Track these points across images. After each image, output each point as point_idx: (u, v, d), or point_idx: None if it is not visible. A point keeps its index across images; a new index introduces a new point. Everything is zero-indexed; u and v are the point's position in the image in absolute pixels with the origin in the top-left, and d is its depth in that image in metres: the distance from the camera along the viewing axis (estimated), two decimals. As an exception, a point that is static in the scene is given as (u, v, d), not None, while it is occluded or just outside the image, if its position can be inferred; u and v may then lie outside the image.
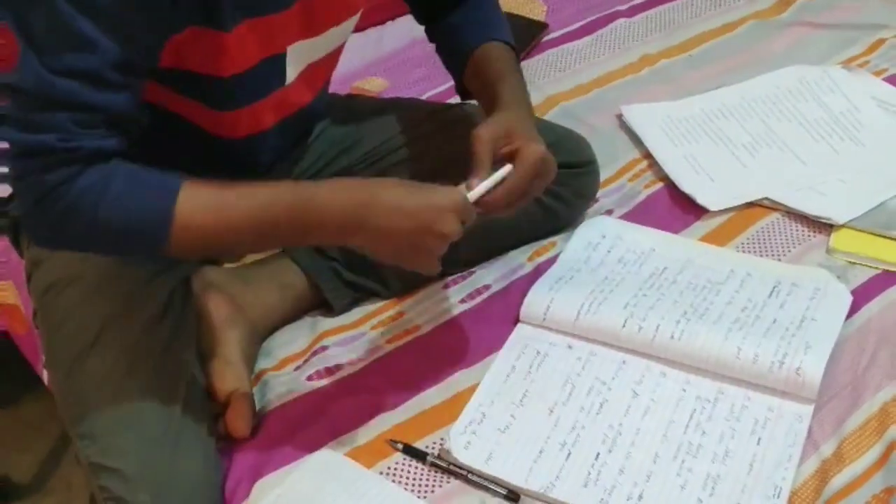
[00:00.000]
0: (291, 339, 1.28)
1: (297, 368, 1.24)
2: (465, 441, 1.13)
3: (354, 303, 1.32)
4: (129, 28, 0.94)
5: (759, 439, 1.13)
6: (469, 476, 1.10)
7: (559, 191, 1.35)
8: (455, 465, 1.11)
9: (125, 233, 0.99)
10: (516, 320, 1.28)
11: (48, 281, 1.18)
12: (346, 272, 1.29)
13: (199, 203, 1.00)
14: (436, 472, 1.12)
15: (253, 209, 1.02)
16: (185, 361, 1.16)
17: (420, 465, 1.12)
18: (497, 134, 1.10)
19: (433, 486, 1.11)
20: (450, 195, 1.04)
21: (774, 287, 1.29)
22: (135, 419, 1.10)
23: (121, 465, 1.07)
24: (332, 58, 1.24)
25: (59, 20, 0.92)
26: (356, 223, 1.02)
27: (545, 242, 1.40)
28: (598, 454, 1.12)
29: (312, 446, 1.14)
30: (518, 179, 1.09)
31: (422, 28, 1.35)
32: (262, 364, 1.25)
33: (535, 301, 1.27)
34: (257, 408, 1.19)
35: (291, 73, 1.15)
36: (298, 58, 1.15)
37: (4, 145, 0.98)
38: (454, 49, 1.29)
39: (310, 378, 1.22)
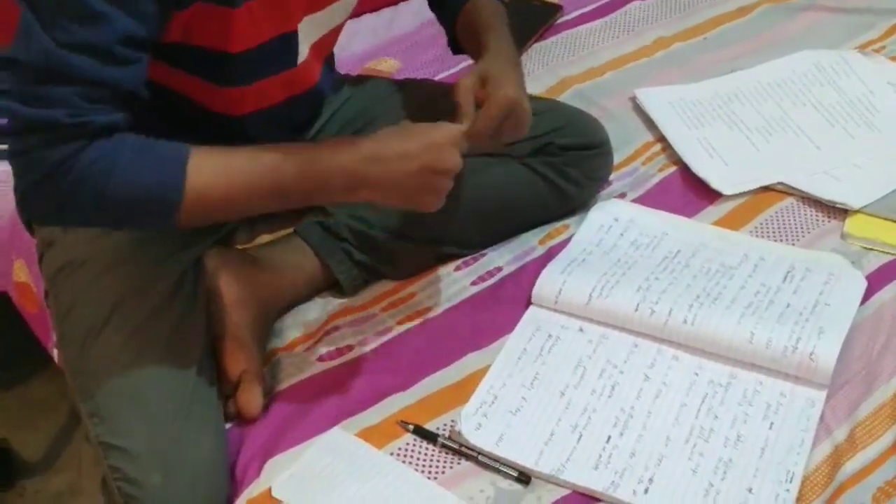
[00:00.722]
0: (302, 320, 1.27)
1: (307, 349, 1.24)
2: (475, 423, 1.13)
3: (364, 284, 1.31)
4: (135, 2, 0.94)
5: (772, 424, 1.12)
6: (479, 458, 1.10)
7: (570, 172, 1.35)
8: (466, 447, 1.11)
9: (136, 203, 0.98)
10: (528, 303, 1.27)
11: (60, 261, 1.17)
12: (357, 253, 1.29)
13: (209, 169, 1.00)
14: (446, 453, 1.11)
15: (261, 172, 1.02)
16: (195, 342, 1.16)
17: (430, 447, 1.12)
18: (475, 82, 1.12)
19: (443, 467, 1.10)
20: (446, 130, 1.06)
21: (788, 272, 1.28)
22: (144, 399, 1.10)
23: (129, 445, 1.08)
24: (335, 34, 1.25)
25: (82, 11, 0.91)
26: (361, 178, 1.04)
27: (557, 225, 1.39)
28: (610, 437, 1.11)
29: (323, 426, 1.14)
30: (482, 121, 1.10)
31: None
32: (272, 344, 1.25)
33: (546, 283, 1.27)
34: (268, 388, 1.19)
35: (303, 51, 1.14)
36: (307, 35, 1.14)
37: (2, 121, 0.97)
38: (446, 3, 1.31)
39: (321, 358, 1.22)
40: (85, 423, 1.13)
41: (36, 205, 1.01)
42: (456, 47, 1.33)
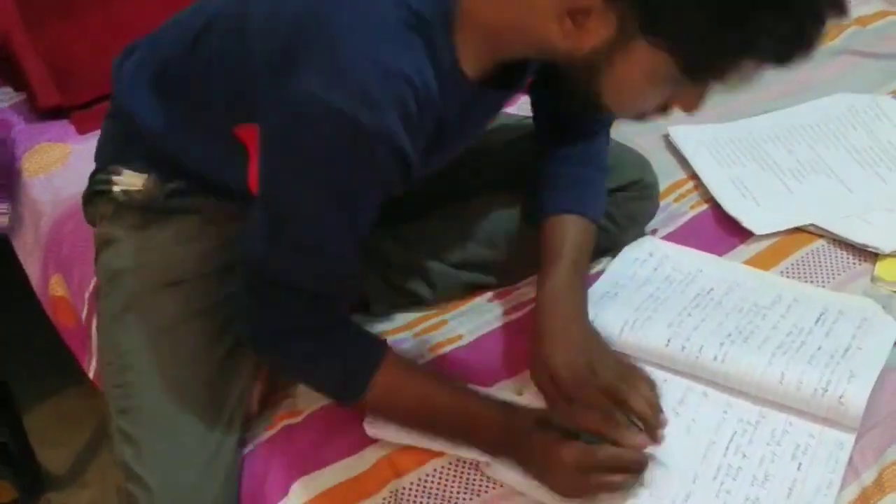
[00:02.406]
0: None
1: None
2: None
3: (394, 308, 1.32)
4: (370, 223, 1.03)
5: (800, 465, 1.12)
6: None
7: (614, 213, 1.35)
8: None
9: (325, 391, 1.14)
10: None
11: (120, 264, 1.19)
12: (394, 276, 1.30)
13: (390, 389, 1.10)
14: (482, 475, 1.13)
15: (429, 409, 1.12)
16: (237, 383, 1.18)
17: (474, 465, 1.13)
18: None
19: (487, 486, 1.12)
20: (567, 452, 1.06)
21: (821, 314, 1.28)
22: (176, 435, 1.12)
23: (149, 478, 1.09)
24: None
25: (317, 231, 1.01)
26: (505, 448, 1.10)
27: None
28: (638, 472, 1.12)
29: (352, 449, 1.15)
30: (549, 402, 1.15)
31: None
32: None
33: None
34: (298, 408, 1.20)
35: None
36: None
37: None
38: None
39: (352, 381, 1.23)
40: (113, 436, 1.14)
41: (255, 353, 1.15)
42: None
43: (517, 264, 1.34)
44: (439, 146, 1.03)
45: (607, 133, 1.32)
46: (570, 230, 1.24)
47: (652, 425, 1.08)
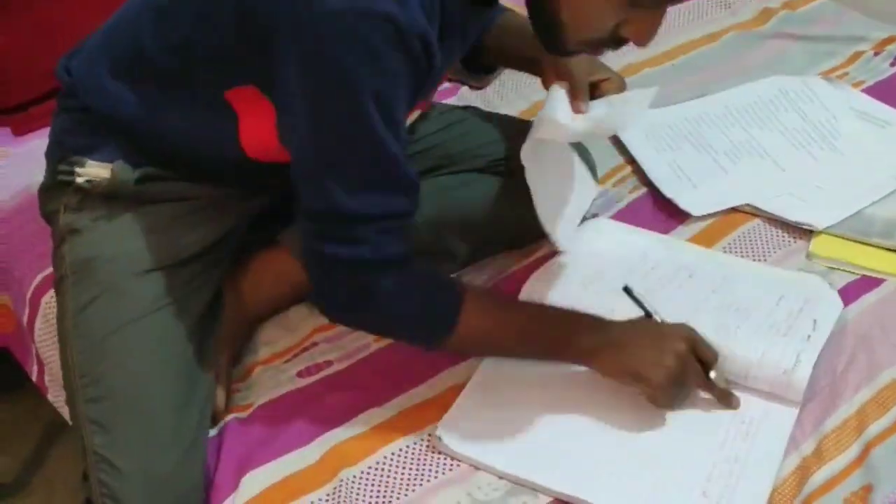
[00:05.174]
0: (283, 335, 1.29)
1: (286, 362, 1.25)
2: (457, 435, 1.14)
3: None
4: (399, 131, 1.04)
5: (745, 436, 1.14)
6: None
7: None
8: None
9: (415, 328, 1.13)
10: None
11: (89, 253, 1.17)
12: None
13: (479, 310, 1.11)
14: (440, 456, 1.14)
15: (524, 321, 1.14)
16: (210, 373, 1.18)
17: (423, 452, 1.14)
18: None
19: (437, 472, 1.13)
20: (680, 327, 1.14)
21: (766, 291, 1.30)
22: (152, 423, 1.11)
23: (124, 466, 1.09)
24: None
25: (375, 152, 1.02)
26: (598, 346, 1.12)
27: (533, 246, 1.40)
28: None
29: (301, 440, 1.16)
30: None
31: None
32: (253, 357, 1.26)
33: (530, 294, 1.29)
34: (248, 401, 1.21)
35: None
36: None
37: None
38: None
39: (300, 374, 1.24)
40: (82, 427, 1.12)
41: (338, 317, 1.16)
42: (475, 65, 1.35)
43: (464, 251, 1.36)
44: (443, 52, 1.05)
45: None
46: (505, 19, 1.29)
47: None
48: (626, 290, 1.22)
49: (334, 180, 1.03)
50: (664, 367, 1.09)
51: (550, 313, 1.16)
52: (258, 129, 1.10)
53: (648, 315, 1.19)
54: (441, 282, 1.14)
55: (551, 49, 1.10)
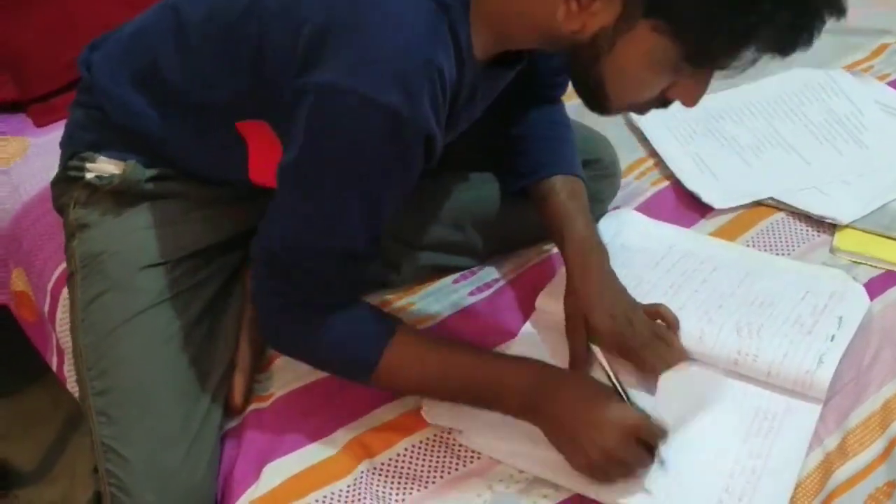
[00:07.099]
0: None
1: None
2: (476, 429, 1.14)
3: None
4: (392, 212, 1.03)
5: (768, 433, 1.13)
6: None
7: None
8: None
9: (339, 369, 1.13)
10: (526, 312, 1.29)
11: (98, 247, 1.18)
12: None
13: (403, 359, 1.09)
14: (461, 448, 1.14)
15: (451, 370, 1.10)
16: (220, 360, 1.18)
17: (443, 444, 1.14)
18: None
19: (457, 464, 1.13)
20: (621, 413, 1.06)
21: (791, 286, 1.29)
22: (159, 413, 1.11)
23: (131, 456, 1.09)
24: None
25: (342, 229, 1.01)
26: (533, 408, 1.07)
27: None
28: None
29: (322, 432, 1.15)
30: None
31: None
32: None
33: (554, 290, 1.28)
34: (268, 392, 1.21)
35: None
36: None
37: None
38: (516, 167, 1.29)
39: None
40: (90, 417, 1.13)
41: (278, 349, 1.18)
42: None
43: (484, 245, 1.35)
44: (449, 126, 1.04)
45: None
46: (569, 189, 1.24)
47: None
48: (593, 350, 1.18)
49: (291, 226, 1.02)
50: (586, 459, 1.05)
51: (479, 371, 1.10)
52: (266, 159, 1.08)
53: (614, 386, 1.11)
54: (368, 328, 1.10)
55: (595, 110, 1.07)
